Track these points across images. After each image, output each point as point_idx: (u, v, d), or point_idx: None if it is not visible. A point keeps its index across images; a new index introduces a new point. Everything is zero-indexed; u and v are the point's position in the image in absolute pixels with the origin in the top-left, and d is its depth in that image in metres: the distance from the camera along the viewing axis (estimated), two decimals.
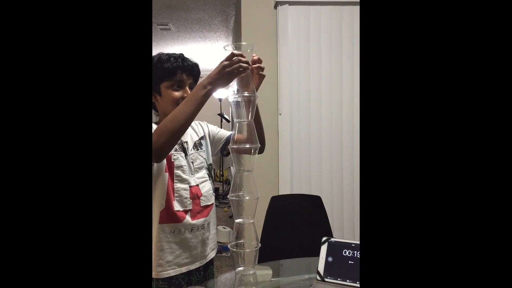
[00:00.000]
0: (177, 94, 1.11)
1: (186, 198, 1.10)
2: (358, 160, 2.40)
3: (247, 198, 0.91)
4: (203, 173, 1.17)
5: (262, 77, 1.02)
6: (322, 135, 2.42)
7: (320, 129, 2.42)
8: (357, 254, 1.04)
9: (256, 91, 0.98)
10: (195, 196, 1.12)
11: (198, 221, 1.12)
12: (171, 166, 1.09)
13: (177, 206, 1.09)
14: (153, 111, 1.17)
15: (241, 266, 0.92)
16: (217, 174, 6.49)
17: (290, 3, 2.37)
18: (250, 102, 0.92)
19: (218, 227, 3.51)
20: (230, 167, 6.04)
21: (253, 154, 0.91)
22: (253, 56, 0.99)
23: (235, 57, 0.91)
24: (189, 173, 1.13)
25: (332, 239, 1.09)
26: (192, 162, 1.15)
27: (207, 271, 1.20)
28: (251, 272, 0.92)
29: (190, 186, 1.11)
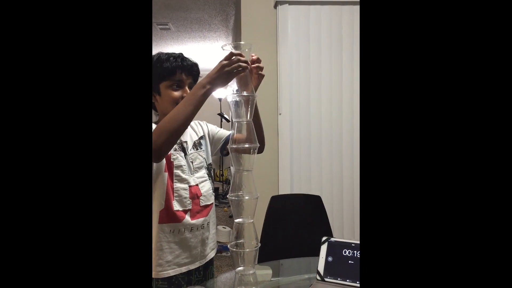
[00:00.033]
0: (176, 93, 1.10)
1: (185, 198, 1.10)
2: (358, 160, 2.40)
3: (246, 197, 0.91)
4: (203, 172, 1.17)
5: (261, 76, 1.01)
6: (322, 135, 2.42)
7: (320, 128, 2.42)
8: (357, 254, 1.04)
9: (256, 91, 0.98)
10: (195, 196, 1.12)
11: (198, 220, 1.12)
12: (170, 166, 1.09)
13: (176, 206, 1.08)
14: (152, 111, 1.17)
15: (241, 266, 0.92)
16: (217, 174, 6.49)
17: (290, 3, 2.37)
18: (249, 102, 0.92)
19: (218, 226, 3.51)
20: (230, 167, 6.04)
21: (252, 154, 0.91)
22: (252, 56, 0.99)
23: (234, 57, 0.91)
24: (189, 172, 1.13)
25: (332, 239, 1.09)
26: (192, 162, 1.14)
27: (207, 271, 1.20)
28: (251, 272, 0.92)
29: (190, 186, 1.11)
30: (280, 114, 2.39)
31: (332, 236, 1.12)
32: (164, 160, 1.07)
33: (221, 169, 6.45)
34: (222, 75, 0.91)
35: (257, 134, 0.92)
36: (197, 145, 1.18)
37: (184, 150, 1.14)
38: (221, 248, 3.20)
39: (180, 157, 1.11)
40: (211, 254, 1.20)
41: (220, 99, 5.94)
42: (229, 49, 0.92)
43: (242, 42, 0.96)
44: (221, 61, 0.92)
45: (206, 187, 1.16)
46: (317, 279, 1.06)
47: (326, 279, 1.05)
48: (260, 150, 0.94)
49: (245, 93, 0.92)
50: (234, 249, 0.90)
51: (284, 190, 2.37)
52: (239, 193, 0.91)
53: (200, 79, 0.99)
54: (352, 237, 2.39)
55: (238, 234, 0.91)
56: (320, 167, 2.43)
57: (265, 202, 1.71)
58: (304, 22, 2.40)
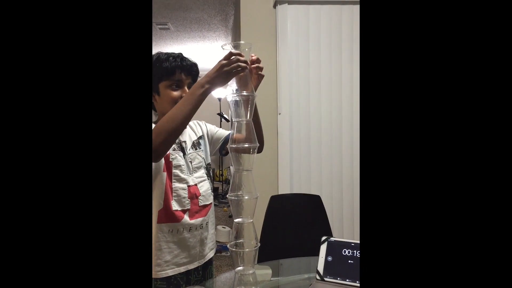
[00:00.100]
0: (175, 93, 1.10)
1: (184, 197, 1.10)
2: (357, 159, 2.40)
3: (246, 197, 0.90)
4: (202, 172, 1.17)
5: (261, 77, 1.01)
6: (322, 134, 2.42)
7: (320, 128, 2.42)
8: (356, 254, 1.04)
9: (255, 90, 0.98)
10: (194, 195, 1.12)
11: (197, 220, 1.12)
12: (169, 166, 1.09)
13: (175, 206, 1.08)
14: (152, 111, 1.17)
15: (240, 266, 0.92)
16: (216, 173, 6.49)
17: (290, 2, 2.37)
18: (248, 102, 0.92)
19: (218, 226, 3.51)
20: (229, 167, 6.04)
21: (252, 154, 0.91)
22: (252, 56, 0.99)
23: (234, 57, 0.91)
24: (188, 172, 1.12)
25: (332, 239, 1.09)
26: (191, 162, 1.14)
27: (206, 271, 1.20)
28: (251, 271, 0.92)
29: (189, 186, 1.11)
30: (279, 114, 2.38)
31: (331, 236, 1.12)
32: (162, 160, 1.06)
33: (220, 169, 6.45)
34: (221, 74, 0.91)
35: (256, 134, 0.92)
36: (196, 145, 1.18)
37: (183, 150, 1.14)
38: (221, 248, 3.20)
39: (179, 157, 1.11)
40: (210, 254, 1.20)
41: (219, 99, 5.94)
42: (229, 48, 0.92)
43: (241, 42, 0.96)
44: (220, 61, 0.92)
45: (205, 187, 1.16)
46: (317, 279, 1.06)
47: (325, 279, 1.05)
48: (260, 149, 0.94)
49: (244, 93, 0.91)
50: (234, 249, 0.90)
51: (284, 189, 2.37)
52: (239, 193, 0.91)
53: (199, 79, 0.99)
54: (351, 236, 2.39)
55: (238, 234, 0.91)
56: (320, 166, 2.43)
57: (264, 202, 1.71)
58: (304, 22, 2.40)
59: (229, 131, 1.25)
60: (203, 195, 1.15)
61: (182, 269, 1.10)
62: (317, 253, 1.08)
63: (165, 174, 1.08)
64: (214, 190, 5.62)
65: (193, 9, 3.59)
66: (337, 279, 1.04)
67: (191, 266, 1.12)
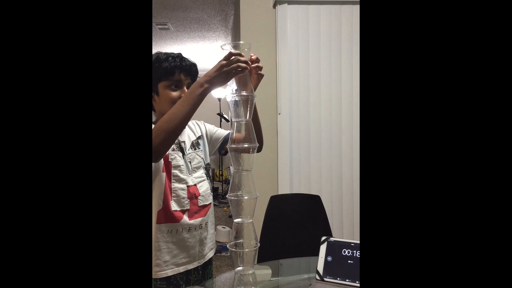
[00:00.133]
0: (174, 94, 1.10)
1: (183, 198, 1.10)
2: (357, 159, 2.40)
3: (246, 197, 0.90)
4: (201, 172, 1.17)
5: (260, 76, 1.01)
6: (322, 134, 2.42)
7: (320, 128, 2.42)
8: (356, 254, 1.04)
9: (254, 90, 0.98)
10: (193, 196, 1.12)
11: (196, 220, 1.12)
12: (168, 166, 1.09)
13: (174, 206, 1.08)
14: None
15: (240, 266, 0.92)
16: (216, 173, 6.49)
17: (289, 2, 2.37)
18: (248, 102, 0.91)
19: (218, 226, 3.51)
20: (229, 167, 6.04)
21: (251, 154, 0.91)
22: (251, 56, 0.99)
23: (234, 57, 0.91)
24: (187, 172, 1.12)
25: (332, 239, 1.09)
26: (190, 162, 1.14)
27: (205, 271, 1.20)
28: (250, 271, 0.92)
29: (188, 186, 1.11)
30: (279, 113, 2.38)
31: (331, 236, 1.12)
32: (162, 160, 1.06)
33: (220, 169, 6.45)
34: (221, 74, 0.91)
35: (255, 134, 0.92)
36: (195, 145, 1.18)
37: (182, 150, 1.14)
38: (221, 248, 3.20)
39: (178, 157, 1.11)
40: (210, 254, 1.20)
41: (219, 99, 5.94)
42: (228, 48, 0.92)
43: (241, 42, 0.96)
44: (220, 61, 0.92)
45: (204, 187, 1.16)
46: (317, 279, 1.06)
47: (325, 279, 1.05)
48: (259, 149, 0.94)
49: (244, 93, 0.91)
50: (234, 249, 0.90)
51: (284, 189, 2.37)
52: (239, 193, 0.91)
53: (198, 78, 0.99)
54: (351, 237, 2.39)
55: (238, 234, 0.91)
56: (320, 166, 2.43)
57: (264, 202, 1.71)
58: (303, 22, 2.40)
59: (228, 131, 1.25)
60: (202, 195, 1.15)
61: (182, 269, 1.10)
62: (317, 253, 1.08)
63: (164, 174, 1.08)
64: (214, 190, 5.64)
65: (192, 9, 3.59)
66: (337, 279, 1.04)
67: (190, 266, 1.12)
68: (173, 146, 1.11)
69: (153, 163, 1.04)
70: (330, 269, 1.05)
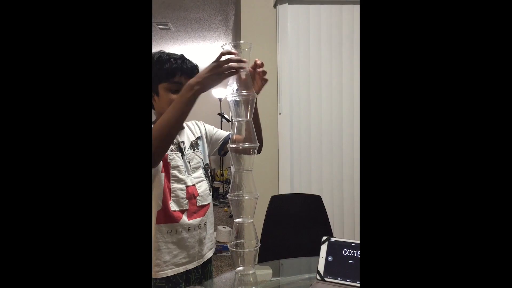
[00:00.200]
0: (174, 96, 1.09)
1: (182, 198, 1.10)
2: (358, 159, 2.40)
3: (246, 197, 0.90)
4: (200, 173, 1.17)
5: (264, 81, 1.01)
6: (322, 134, 2.42)
7: (320, 128, 2.42)
8: (357, 254, 1.04)
9: (257, 94, 0.97)
10: (192, 196, 1.12)
11: (195, 220, 1.12)
12: (167, 167, 1.09)
13: (173, 206, 1.09)
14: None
15: (241, 266, 0.92)
16: (217, 173, 6.49)
17: (290, 2, 2.37)
18: (249, 102, 0.91)
19: (218, 226, 3.51)
20: (230, 167, 6.04)
21: (252, 154, 0.91)
22: (256, 60, 0.99)
23: (226, 58, 0.88)
24: (186, 173, 1.13)
25: (332, 239, 1.09)
26: (189, 162, 1.15)
27: (205, 270, 1.20)
28: (251, 271, 0.92)
29: (187, 186, 1.12)
30: (280, 113, 2.38)
31: (332, 236, 1.12)
32: (160, 163, 1.06)
33: (221, 169, 6.45)
34: (211, 76, 0.88)
35: (256, 135, 0.92)
36: (194, 145, 1.19)
37: (181, 150, 1.14)
38: (221, 248, 3.20)
39: (177, 158, 1.11)
40: (209, 254, 1.20)
41: (220, 99, 5.94)
42: (229, 48, 0.92)
43: (242, 41, 0.95)
44: (212, 62, 0.89)
45: (203, 187, 1.16)
46: (317, 279, 1.06)
47: (326, 279, 1.05)
48: (258, 150, 0.94)
49: (244, 93, 0.91)
50: (234, 249, 0.90)
51: (284, 189, 2.37)
52: (239, 193, 0.91)
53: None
54: (352, 237, 2.39)
55: (238, 234, 0.91)
56: (321, 166, 2.42)
57: (265, 202, 1.71)
58: (304, 22, 2.40)
59: (228, 132, 1.25)
60: (201, 195, 1.15)
61: (181, 269, 1.10)
62: (317, 253, 1.08)
63: (163, 175, 1.08)
64: (215, 190, 5.64)
65: (193, 9, 3.59)
66: (337, 279, 1.03)
67: (190, 266, 1.12)
68: (172, 146, 1.11)
69: None
70: (331, 269, 1.05)
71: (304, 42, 2.40)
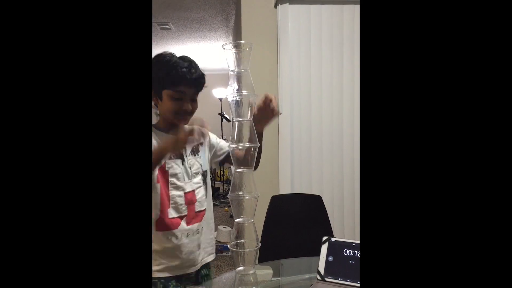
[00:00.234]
0: (175, 106, 1.08)
1: (181, 204, 1.11)
2: (358, 159, 2.40)
3: (246, 197, 0.90)
4: (199, 178, 1.17)
5: (276, 113, 1.08)
6: (323, 134, 2.42)
7: (321, 128, 2.42)
8: (357, 254, 1.04)
9: (267, 124, 1.11)
10: (190, 201, 1.13)
11: (193, 226, 1.13)
12: (165, 175, 1.09)
13: (172, 213, 1.09)
14: (153, 111, 1.16)
15: (241, 266, 0.92)
16: (217, 173, 6.49)
17: (290, 2, 2.37)
18: (249, 101, 0.92)
19: (219, 226, 3.51)
20: (230, 167, 6.03)
21: (252, 153, 0.91)
22: (267, 95, 1.06)
23: (189, 135, 1.00)
24: (186, 178, 1.13)
25: (333, 239, 1.09)
26: (190, 168, 1.15)
27: (200, 272, 1.20)
28: (251, 271, 0.92)
29: (185, 193, 1.12)
30: (280, 114, 2.38)
31: (332, 236, 1.12)
32: (155, 172, 1.07)
33: (222, 169, 6.45)
34: (176, 149, 1.07)
35: (256, 158, 0.93)
36: (195, 151, 1.19)
37: (181, 156, 1.14)
38: (222, 248, 3.20)
39: (175, 165, 1.11)
40: (208, 259, 1.20)
41: (220, 99, 5.94)
42: (229, 48, 0.92)
43: (242, 42, 0.95)
44: (178, 136, 1.01)
45: (201, 193, 1.17)
46: (318, 279, 1.06)
47: (326, 279, 1.05)
48: (254, 168, 0.95)
49: (245, 93, 0.91)
50: (235, 249, 0.90)
51: (285, 190, 2.37)
52: (240, 193, 0.91)
53: (156, 144, 1.08)
54: (352, 237, 2.39)
55: (239, 234, 0.91)
56: (321, 166, 2.42)
57: (265, 202, 1.71)
58: (305, 22, 2.40)
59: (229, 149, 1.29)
60: (198, 201, 1.16)
61: (178, 273, 1.11)
62: (318, 253, 1.08)
63: (159, 185, 1.08)
64: (215, 190, 5.63)
65: (194, 9, 3.59)
66: (338, 279, 1.03)
67: (188, 271, 1.13)
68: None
69: None
70: (331, 269, 1.05)
71: (305, 42, 2.40)
